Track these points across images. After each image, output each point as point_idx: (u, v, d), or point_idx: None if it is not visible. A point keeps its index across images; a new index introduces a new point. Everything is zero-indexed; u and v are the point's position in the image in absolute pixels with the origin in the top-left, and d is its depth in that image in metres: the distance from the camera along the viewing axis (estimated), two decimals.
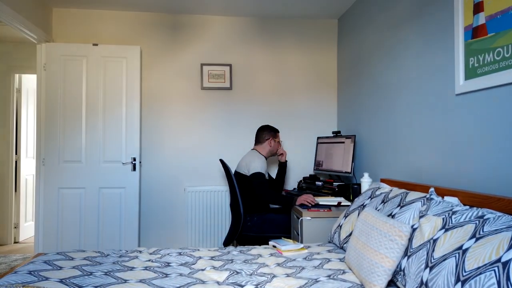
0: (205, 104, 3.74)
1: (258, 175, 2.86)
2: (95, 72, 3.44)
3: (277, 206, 3.21)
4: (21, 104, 4.60)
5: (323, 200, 2.76)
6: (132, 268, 1.76)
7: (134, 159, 3.45)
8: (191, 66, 3.72)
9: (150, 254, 2.03)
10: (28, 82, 4.73)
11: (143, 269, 1.75)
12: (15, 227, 4.52)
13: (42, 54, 3.40)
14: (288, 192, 3.29)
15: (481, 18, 1.74)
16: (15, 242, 4.50)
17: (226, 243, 3.00)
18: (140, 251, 2.08)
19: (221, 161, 3.10)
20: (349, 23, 3.57)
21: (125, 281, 1.57)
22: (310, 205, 2.64)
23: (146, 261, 1.90)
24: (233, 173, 3.03)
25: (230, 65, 3.74)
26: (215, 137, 3.74)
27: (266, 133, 3.13)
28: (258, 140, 3.15)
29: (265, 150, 3.11)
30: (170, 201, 3.68)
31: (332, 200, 2.77)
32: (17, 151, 4.55)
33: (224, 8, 3.56)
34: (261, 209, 2.96)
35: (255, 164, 2.90)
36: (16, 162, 4.54)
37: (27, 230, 4.68)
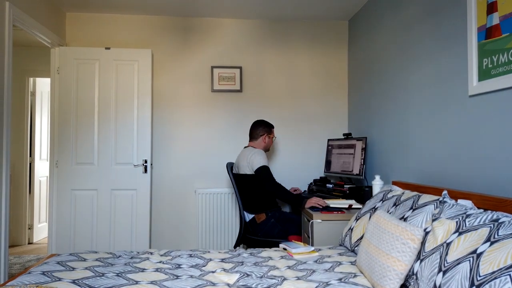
0: (215, 106, 3.75)
1: (263, 169, 2.82)
2: (107, 75, 3.48)
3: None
4: (35, 107, 4.68)
5: (334, 203, 2.74)
6: (143, 270, 1.77)
7: (146, 161, 3.48)
8: (201, 69, 3.75)
9: (161, 255, 2.04)
10: (42, 86, 4.81)
11: (154, 271, 1.76)
12: (29, 228, 4.59)
13: (56, 58, 3.46)
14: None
15: (495, 18, 1.71)
16: (29, 243, 4.57)
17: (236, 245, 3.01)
18: (151, 253, 2.09)
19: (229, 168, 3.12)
20: (360, 25, 3.56)
21: (137, 282, 1.58)
22: (320, 207, 2.63)
23: (157, 262, 1.91)
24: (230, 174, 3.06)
25: (240, 68, 3.75)
26: (226, 139, 3.76)
27: (261, 129, 3.06)
28: (253, 136, 3.08)
29: (260, 146, 3.05)
30: (181, 203, 3.70)
31: (343, 203, 2.75)
32: (31, 154, 4.63)
33: (234, 10, 3.57)
34: (277, 206, 2.96)
35: (258, 159, 2.85)
36: (30, 164, 4.62)
37: (40, 231, 4.75)
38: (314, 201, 2.69)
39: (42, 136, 4.81)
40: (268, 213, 2.88)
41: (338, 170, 3.38)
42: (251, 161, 2.87)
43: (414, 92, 2.52)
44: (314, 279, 1.64)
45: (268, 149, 3.15)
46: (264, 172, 2.81)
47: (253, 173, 2.86)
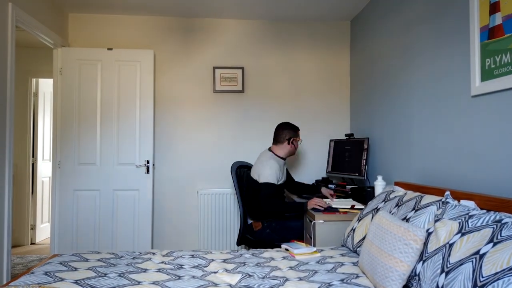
0: (217, 107, 3.76)
1: (266, 186, 2.70)
2: (109, 76, 3.49)
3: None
4: (38, 107, 4.70)
5: (335, 203, 2.74)
6: (145, 270, 1.77)
7: (148, 162, 3.49)
8: (203, 69, 3.75)
9: (163, 256, 2.05)
10: (45, 86, 4.83)
11: (156, 271, 1.76)
12: (32, 229, 4.60)
13: (58, 58, 3.47)
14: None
15: (498, 19, 1.71)
16: (31, 243, 4.58)
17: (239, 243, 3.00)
18: (154, 253, 2.09)
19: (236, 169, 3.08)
20: (362, 25, 3.55)
21: (139, 282, 1.59)
22: (322, 209, 2.60)
23: (159, 263, 1.91)
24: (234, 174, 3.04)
25: (242, 68, 3.75)
26: (228, 140, 3.76)
27: (287, 132, 2.87)
28: (277, 139, 2.90)
29: (284, 151, 2.89)
30: (183, 204, 3.70)
31: (344, 202, 2.75)
32: (34, 154, 4.64)
33: (236, 11, 3.57)
34: (276, 216, 2.93)
35: (266, 173, 2.73)
36: (33, 164, 4.63)
37: (43, 231, 4.76)
38: (314, 202, 2.61)
39: (45, 137, 4.82)
40: (264, 223, 2.82)
41: (340, 170, 3.38)
42: (260, 171, 2.77)
43: (416, 93, 2.52)
44: (316, 279, 1.64)
45: (293, 153, 2.98)
46: (265, 190, 2.69)
47: (259, 183, 2.79)
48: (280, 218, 2.88)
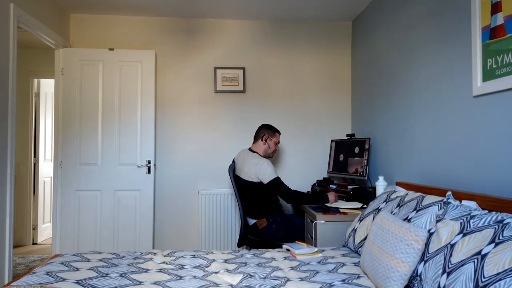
0: (218, 107, 3.76)
1: (276, 181, 2.78)
2: (111, 76, 3.50)
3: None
4: (40, 108, 4.70)
5: (339, 205, 2.75)
6: (146, 270, 1.77)
7: (149, 162, 3.49)
8: (204, 70, 3.75)
9: (165, 256, 2.05)
10: (46, 87, 4.84)
11: (158, 271, 1.76)
12: (34, 229, 4.61)
13: (60, 59, 3.47)
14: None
15: (499, 19, 1.70)
16: (33, 243, 4.59)
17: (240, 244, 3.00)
18: (155, 253, 2.09)
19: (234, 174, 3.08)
20: (363, 25, 3.55)
21: (140, 282, 1.59)
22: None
23: (161, 263, 1.91)
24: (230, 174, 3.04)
25: (243, 68, 3.75)
26: (229, 140, 3.76)
27: (264, 130, 3.01)
28: (255, 137, 3.06)
29: (260, 150, 2.99)
30: (184, 204, 3.70)
31: (346, 204, 2.76)
32: (35, 154, 4.65)
33: (237, 11, 3.58)
34: (279, 210, 2.94)
35: (268, 171, 2.80)
36: (34, 164, 4.64)
37: (45, 231, 4.77)
38: (334, 198, 2.85)
39: (47, 137, 4.83)
40: (269, 218, 2.84)
41: (341, 171, 3.38)
42: (260, 171, 2.80)
43: (418, 93, 2.51)
44: (318, 280, 1.64)
45: (270, 155, 3.05)
46: (278, 185, 2.79)
47: (260, 181, 2.83)
48: (280, 211, 2.94)
